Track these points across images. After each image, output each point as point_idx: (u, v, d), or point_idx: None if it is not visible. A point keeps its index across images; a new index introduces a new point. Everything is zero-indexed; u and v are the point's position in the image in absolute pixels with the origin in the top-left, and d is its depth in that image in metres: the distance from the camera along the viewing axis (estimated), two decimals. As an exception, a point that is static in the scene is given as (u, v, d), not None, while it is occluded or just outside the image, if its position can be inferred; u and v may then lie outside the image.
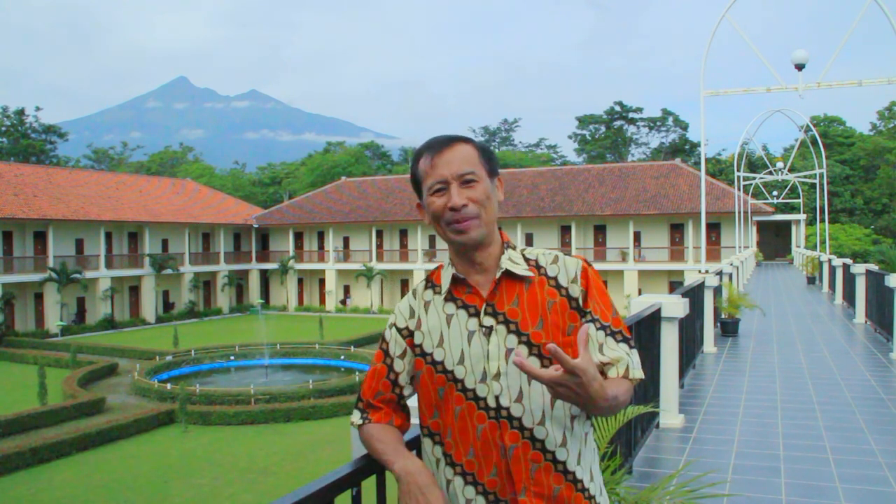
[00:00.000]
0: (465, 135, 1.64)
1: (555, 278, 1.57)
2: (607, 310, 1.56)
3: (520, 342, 1.51)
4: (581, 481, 1.53)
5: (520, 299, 1.54)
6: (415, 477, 1.47)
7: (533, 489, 1.48)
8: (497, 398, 1.49)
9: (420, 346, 1.59)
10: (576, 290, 1.56)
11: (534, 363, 1.49)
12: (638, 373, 1.53)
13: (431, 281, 1.65)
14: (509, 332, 1.51)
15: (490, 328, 1.52)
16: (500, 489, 1.50)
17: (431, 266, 32.62)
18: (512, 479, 1.49)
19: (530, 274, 1.56)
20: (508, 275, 1.56)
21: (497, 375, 1.50)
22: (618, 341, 1.54)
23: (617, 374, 1.51)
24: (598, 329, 1.54)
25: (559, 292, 1.55)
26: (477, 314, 1.54)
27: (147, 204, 45.69)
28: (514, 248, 1.61)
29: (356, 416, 1.66)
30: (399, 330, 1.63)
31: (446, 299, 1.59)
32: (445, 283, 1.60)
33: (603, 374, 1.50)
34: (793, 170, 47.88)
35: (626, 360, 1.52)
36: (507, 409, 1.49)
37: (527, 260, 1.60)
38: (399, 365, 1.62)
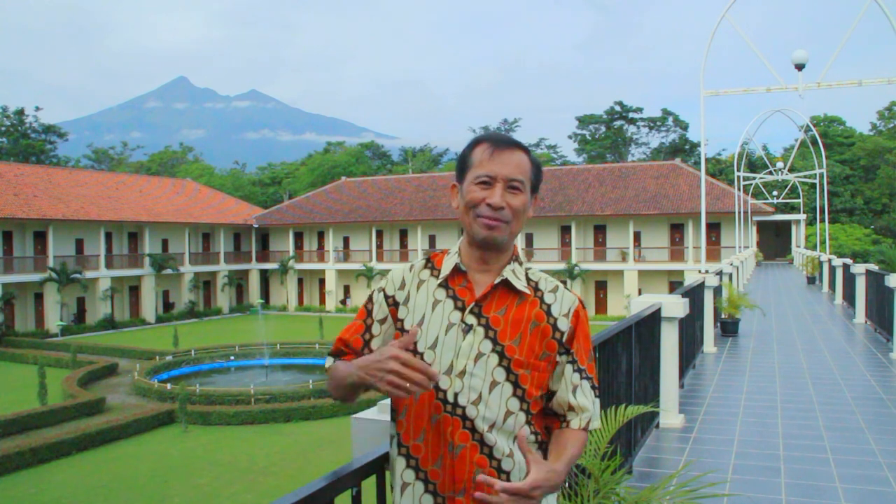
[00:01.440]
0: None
1: (549, 305, 1.61)
2: (586, 355, 1.64)
3: (493, 350, 1.54)
4: None
5: (507, 310, 1.57)
6: (364, 365, 1.46)
7: (473, 492, 1.49)
8: (456, 395, 1.51)
9: (402, 321, 1.61)
10: (564, 325, 1.60)
11: (500, 374, 1.53)
12: (596, 423, 1.66)
13: (431, 262, 1.67)
14: (486, 337, 1.54)
15: (470, 327, 1.54)
16: (440, 483, 1.51)
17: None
18: (454, 477, 1.50)
19: (527, 291, 1.60)
20: (506, 284, 1.60)
21: (462, 373, 1.52)
22: (590, 388, 1.64)
23: (579, 424, 1.60)
24: (574, 371, 1.61)
25: (547, 319, 1.59)
26: (462, 309, 1.57)
27: (147, 204, 45.69)
28: (520, 263, 1.65)
29: (328, 361, 1.69)
30: (387, 297, 1.65)
31: (440, 284, 1.61)
32: (446, 269, 1.62)
33: (564, 418, 1.61)
34: (793, 170, 47.86)
35: (590, 412, 1.62)
36: (464, 408, 1.51)
37: (528, 279, 1.63)
38: (377, 329, 1.65)
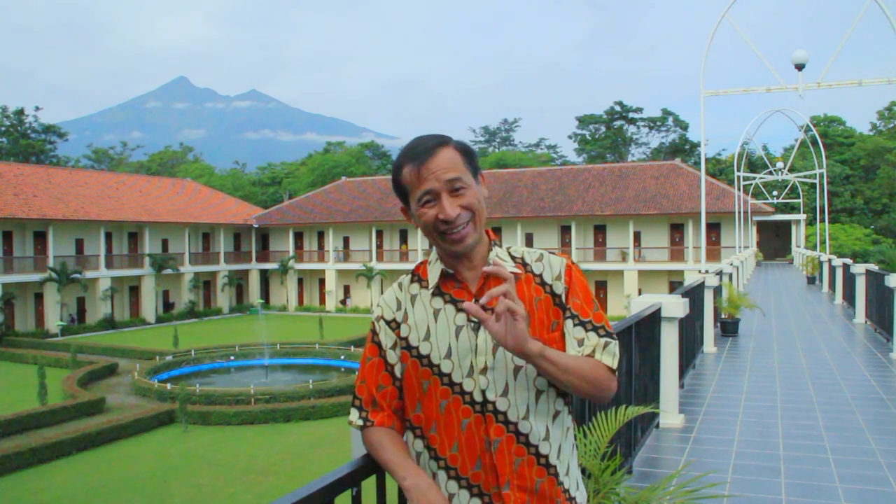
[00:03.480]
0: (447, 134, 1.62)
1: (540, 275, 1.60)
2: (588, 306, 1.59)
3: None
4: (560, 474, 1.57)
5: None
6: (426, 495, 1.47)
7: (517, 482, 1.51)
8: (483, 392, 1.52)
9: (406, 338, 1.60)
10: (559, 287, 1.59)
11: (519, 358, 1.51)
12: (608, 358, 1.55)
13: (417, 275, 1.66)
14: None
15: (478, 323, 1.53)
16: (483, 483, 1.52)
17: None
18: (496, 472, 1.51)
19: (517, 270, 1.59)
20: None
21: (484, 370, 1.52)
22: (600, 336, 1.57)
23: (582, 353, 1.55)
24: (575, 325, 1.57)
25: (544, 289, 1.58)
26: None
27: (147, 204, 45.68)
28: (500, 245, 1.64)
29: (355, 416, 1.64)
30: (388, 322, 1.63)
31: (434, 294, 1.60)
32: (433, 277, 1.61)
33: None
34: (793, 170, 47.86)
35: (598, 343, 1.55)
36: (493, 402, 1.52)
37: (513, 258, 1.63)
38: (392, 357, 1.62)
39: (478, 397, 1.52)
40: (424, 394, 1.56)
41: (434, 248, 1.67)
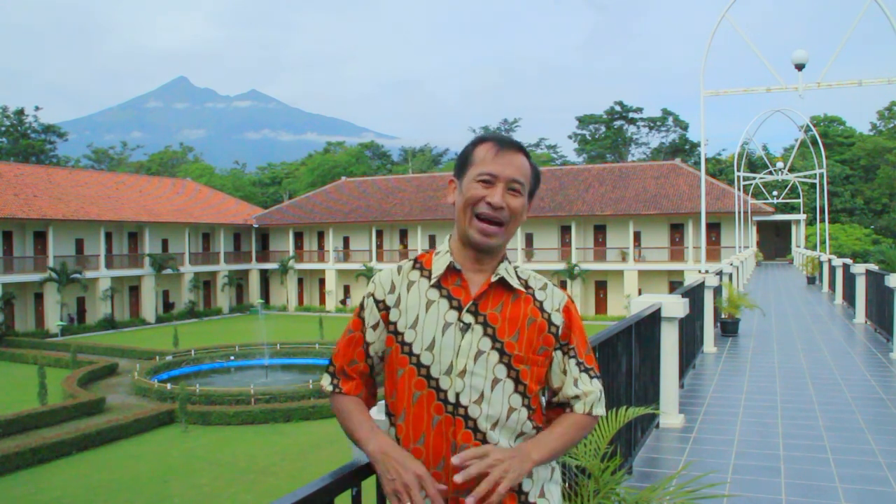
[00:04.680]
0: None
1: (541, 301, 1.63)
2: (583, 347, 1.67)
3: (493, 348, 1.54)
4: (526, 494, 1.54)
5: (503, 308, 1.58)
6: (390, 454, 1.48)
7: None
8: (458, 395, 1.51)
9: (395, 323, 1.60)
10: (558, 319, 1.63)
11: (501, 371, 1.54)
12: (601, 410, 1.66)
13: (420, 263, 1.66)
14: (485, 334, 1.54)
15: (468, 325, 1.54)
16: (442, 484, 1.51)
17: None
18: None
19: (521, 288, 1.62)
20: (501, 282, 1.61)
21: (462, 373, 1.52)
22: (591, 378, 1.66)
23: (583, 409, 1.63)
24: (575, 365, 1.65)
25: (541, 314, 1.61)
26: (459, 308, 1.56)
27: (147, 204, 45.69)
28: (509, 261, 1.67)
29: (326, 381, 1.68)
30: (377, 301, 1.64)
31: (432, 285, 1.60)
32: (438, 268, 1.61)
33: (570, 406, 1.64)
34: (793, 170, 47.85)
35: (595, 396, 1.64)
36: (466, 407, 1.51)
37: (518, 277, 1.65)
38: (371, 336, 1.64)
39: (451, 398, 1.51)
40: (398, 380, 1.57)
41: (447, 240, 1.68)
